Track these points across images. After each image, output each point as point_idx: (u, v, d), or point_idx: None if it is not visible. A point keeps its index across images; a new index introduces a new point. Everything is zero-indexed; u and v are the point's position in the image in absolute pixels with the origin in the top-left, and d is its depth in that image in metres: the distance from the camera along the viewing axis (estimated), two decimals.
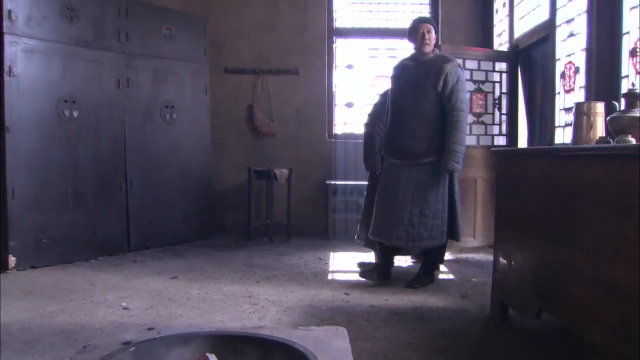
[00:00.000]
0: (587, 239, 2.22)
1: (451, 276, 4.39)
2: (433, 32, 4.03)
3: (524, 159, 3.01)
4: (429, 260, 4.13)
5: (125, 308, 3.49)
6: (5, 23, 4.29)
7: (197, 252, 5.24)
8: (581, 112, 2.92)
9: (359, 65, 6.28)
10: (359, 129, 6.23)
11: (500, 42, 5.82)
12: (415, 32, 4.03)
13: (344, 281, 4.24)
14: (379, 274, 4.07)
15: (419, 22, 4.07)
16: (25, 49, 4.41)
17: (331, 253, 5.26)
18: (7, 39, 4.30)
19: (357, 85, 6.26)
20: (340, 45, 6.31)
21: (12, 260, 4.38)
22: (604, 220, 2.09)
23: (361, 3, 6.31)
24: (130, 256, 5.04)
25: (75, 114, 4.75)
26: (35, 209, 4.51)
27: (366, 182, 5.79)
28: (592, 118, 2.87)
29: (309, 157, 6.10)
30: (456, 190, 4.04)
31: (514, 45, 5.38)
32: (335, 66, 6.28)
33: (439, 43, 5.08)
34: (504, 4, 5.67)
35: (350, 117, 6.34)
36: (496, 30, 5.95)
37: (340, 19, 6.30)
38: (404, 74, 4.08)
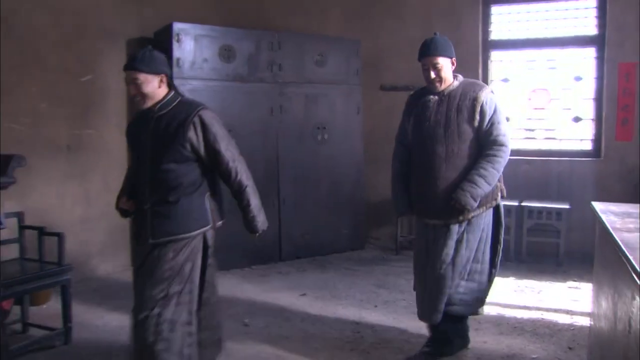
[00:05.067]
0: None
1: (522, 314, 4.15)
2: (444, 62, 3.21)
3: None
4: (443, 333, 3.40)
5: (245, 324, 4.04)
6: (175, 70, 5.08)
7: (339, 265, 5.64)
8: None
9: (515, 78, 6.04)
10: (515, 144, 6.03)
11: None
12: (422, 66, 3.27)
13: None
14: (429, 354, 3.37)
15: (420, 55, 3.26)
16: (190, 89, 5.17)
17: None
18: (175, 82, 5.07)
19: (513, 99, 6.04)
20: (496, 58, 6.13)
21: None
22: None
23: (518, 13, 6.03)
24: (280, 266, 5.63)
25: (233, 141, 5.41)
26: None
27: (515, 202, 5.67)
28: None
29: None
30: (498, 249, 3.37)
31: None
32: (491, 80, 6.13)
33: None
34: None
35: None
36: None
37: (496, 31, 6.12)
38: (427, 110, 3.29)
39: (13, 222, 3.90)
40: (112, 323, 4.05)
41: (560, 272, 5.25)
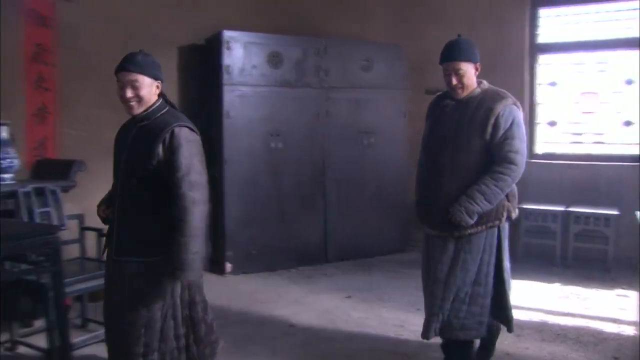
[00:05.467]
0: None
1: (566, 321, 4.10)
2: (467, 67, 3.00)
3: None
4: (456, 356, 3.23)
5: (291, 325, 4.17)
6: (225, 76, 5.27)
7: (384, 268, 5.71)
8: None
9: (563, 81, 5.98)
10: (562, 148, 6.00)
11: None
12: (443, 71, 3.08)
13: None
14: None
15: (442, 59, 3.06)
16: (239, 95, 5.34)
17: (511, 280, 5.21)
18: (225, 89, 5.29)
19: (561, 103, 5.98)
20: (543, 62, 6.08)
21: (228, 266, 5.43)
22: None
23: (566, 15, 5.96)
24: (325, 267, 5.73)
25: (280, 145, 5.58)
26: (246, 225, 5.48)
27: (561, 208, 5.63)
28: None
29: None
30: (506, 267, 3.12)
31: None
32: (538, 84, 6.09)
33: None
34: None
35: (553, 136, 6.10)
36: None
37: (544, 34, 6.06)
38: (442, 115, 3.13)
39: (74, 223, 4.14)
40: None
41: (608, 280, 5.18)
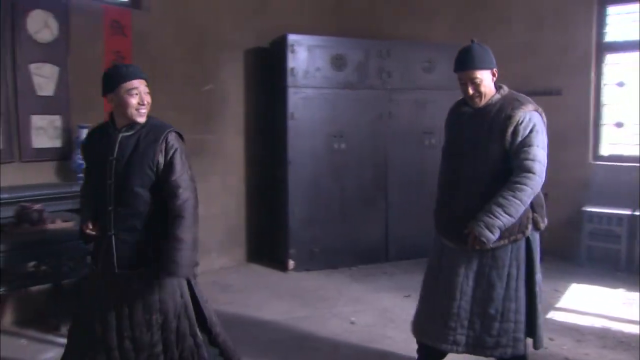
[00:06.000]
0: None
1: (630, 329, 4.03)
2: (483, 75, 2.87)
3: None
4: None
5: (352, 323, 4.29)
6: (289, 79, 5.43)
7: None
8: None
9: (632, 81, 5.83)
10: (629, 150, 5.87)
11: None
12: (458, 80, 2.96)
13: (561, 323, 4.22)
14: None
15: (456, 68, 2.94)
16: (303, 97, 5.49)
17: (573, 284, 5.17)
18: (290, 91, 5.45)
19: (629, 104, 5.84)
20: (611, 61, 5.94)
21: (291, 263, 5.60)
22: None
23: (635, 12, 5.77)
24: (385, 266, 5.82)
25: (343, 146, 5.70)
26: (309, 224, 5.64)
27: (627, 211, 5.50)
28: None
29: (568, 179, 5.98)
30: (537, 280, 2.97)
31: None
32: (604, 84, 5.96)
33: None
34: None
35: (620, 138, 5.97)
36: None
37: (612, 33, 5.93)
38: (459, 125, 3.02)
39: None
40: (230, 314, 4.42)
41: None
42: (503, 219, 2.74)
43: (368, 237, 5.91)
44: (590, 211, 5.65)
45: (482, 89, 2.88)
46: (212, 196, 5.66)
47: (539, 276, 2.99)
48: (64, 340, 2.97)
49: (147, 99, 2.73)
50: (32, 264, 3.85)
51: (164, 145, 2.67)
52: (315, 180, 5.64)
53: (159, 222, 2.68)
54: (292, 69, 5.45)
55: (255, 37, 5.92)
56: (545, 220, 3.00)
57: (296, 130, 5.51)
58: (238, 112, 5.87)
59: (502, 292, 2.89)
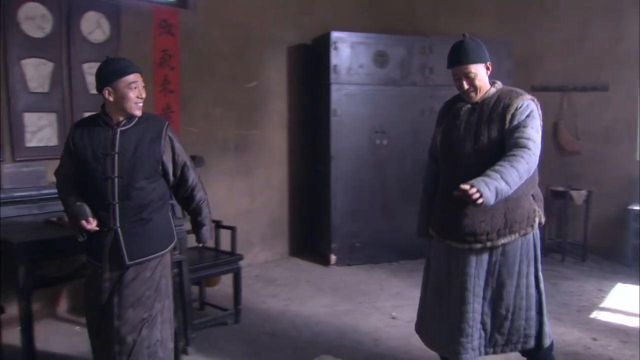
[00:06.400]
0: None
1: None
2: (477, 69, 2.79)
3: None
4: None
5: (393, 317, 4.33)
6: (332, 75, 5.48)
7: None
8: None
9: None
10: None
11: None
12: (452, 76, 2.87)
13: (606, 323, 4.18)
14: None
15: (449, 63, 2.86)
16: (346, 93, 5.54)
17: (619, 284, 5.09)
18: (333, 87, 5.51)
19: None
20: None
21: (333, 258, 5.68)
22: None
23: None
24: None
25: (385, 142, 5.73)
26: (351, 219, 5.70)
27: None
28: None
29: (613, 177, 5.88)
30: (541, 277, 2.89)
31: None
32: None
33: None
34: None
35: None
36: None
37: None
38: (457, 120, 2.89)
39: None
40: (274, 307, 4.53)
41: None
42: (502, 183, 2.47)
43: (409, 232, 5.85)
44: (637, 210, 5.53)
45: (477, 83, 2.81)
46: (256, 190, 5.78)
47: (541, 273, 2.91)
48: None
49: (144, 92, 2.73)
50: None
51: (167, 140, 2.75)
52: (357, 175, 5.69)
53: (166, 207, 2.84)
54: (335, 66, 5.50)
55: (298, 34, 6.00)
56: (544, 216, 2.90)
57: (339, 126, 5.57)
58: (282, 108, 5.96)
59: (513, 290, 2.81)
